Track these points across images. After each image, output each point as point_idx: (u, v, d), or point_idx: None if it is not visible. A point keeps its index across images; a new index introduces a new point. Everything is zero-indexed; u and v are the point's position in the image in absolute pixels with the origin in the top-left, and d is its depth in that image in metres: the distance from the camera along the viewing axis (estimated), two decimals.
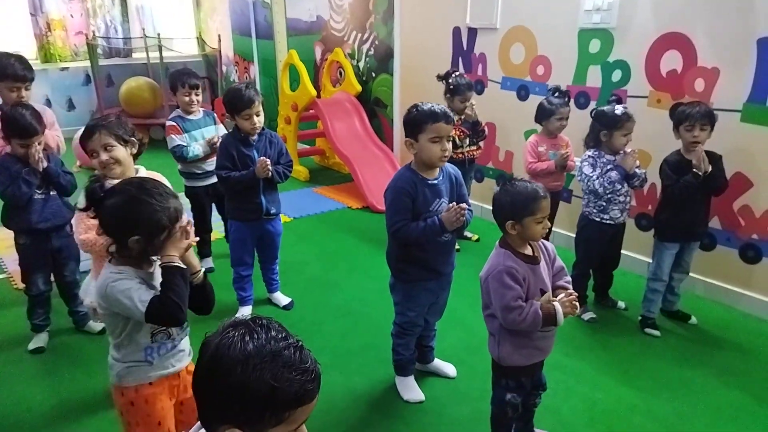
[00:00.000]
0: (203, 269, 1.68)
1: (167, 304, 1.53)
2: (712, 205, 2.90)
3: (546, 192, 1.84)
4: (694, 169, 2.67)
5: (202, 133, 3.38)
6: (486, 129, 3.86)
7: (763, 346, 2.85)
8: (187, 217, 1.58)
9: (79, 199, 2.04)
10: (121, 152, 2.11)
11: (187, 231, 1.57)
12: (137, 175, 1.62)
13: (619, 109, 2.79)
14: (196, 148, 3.29)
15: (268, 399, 0.90)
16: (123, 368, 1.64)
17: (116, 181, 1.64)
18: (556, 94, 3.36)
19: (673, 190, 2.77)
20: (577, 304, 1.82)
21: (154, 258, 1.60)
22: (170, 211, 1.53)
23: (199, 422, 1.01)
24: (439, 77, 3.80)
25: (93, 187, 1.55)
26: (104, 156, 2.08)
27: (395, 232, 2.18)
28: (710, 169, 2.67)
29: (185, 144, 3.29)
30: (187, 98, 3.35)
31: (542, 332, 1.87)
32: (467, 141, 3.77)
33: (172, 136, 3.30)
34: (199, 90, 3.41)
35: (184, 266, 1.58)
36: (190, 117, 3.38)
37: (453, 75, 3.73)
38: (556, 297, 1.87)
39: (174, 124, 3.32)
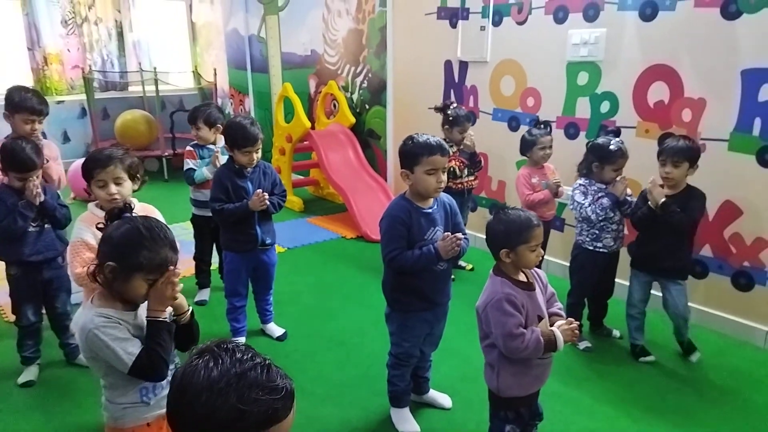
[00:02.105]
0: (191, 309, 1.65)
1: (154, 359, 1.51)
2: (703, 234, 2.92)
3: (539, 220, 1.86)
4: (649, 202, 2.71)
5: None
6: (482, 159, 3.92)
7: (758, 372, 2.85)
8: (173, 269, 1.53)
9: (83, 220, 2.05)
10: (128, 188, 2.13)
11: (173, 283, 1.53)
12: (142, 213, 1.65)
13: (614, 145, 2.82)
14: (203, 171, 3.37)
15: (237, 422, 0.89)
16: (119, 410, 1.60)
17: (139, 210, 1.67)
18: (536, 125, 3.45)
19: (631, 218, 2.85)
20: (578, 331, 1.83)
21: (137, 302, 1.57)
22: (155, 258, 1.48)
23: None
24: (437, 109, 3.86)
25: (116, 209, 1.58)
26: (113, 189, 2.09)
27: (391, 260, 2.18)
28: (660, 201, 2.65)
29: (195, 168, 3.39)
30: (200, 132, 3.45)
31: (540, 360, 1.87)
32: (465, 171, 3.82)
33: (187, 160, 3.43)
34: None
35: (170, 321, 1.57)
36: (209, 146, 3.46)
37: (452, 106, 3.80)
38: (552, 324, 1.88)
39: (191, 149, 3.46)
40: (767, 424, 2.46)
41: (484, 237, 1.92)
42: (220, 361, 0.93)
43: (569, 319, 1.86)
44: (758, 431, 2.43)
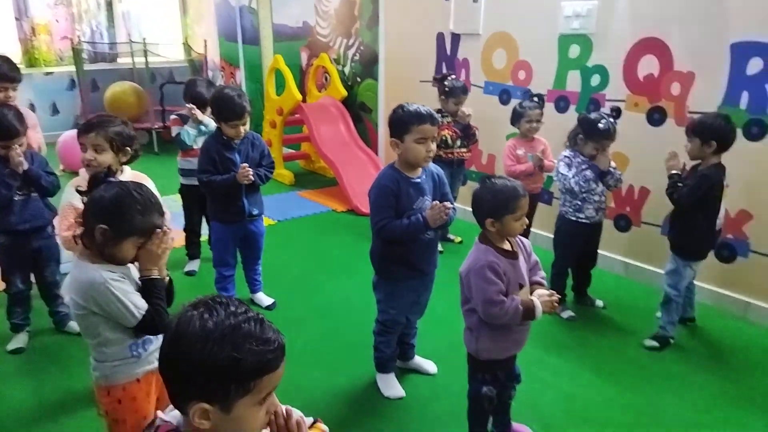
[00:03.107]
0: (168, 276, 1.69)
1: (160, 312, 1.58)
2: None
3: (525, 190, 1.88)
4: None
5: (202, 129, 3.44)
6: (477, 133, 3.92)
7: (739, 341, 2.92)
8: (164, 229, 1.59)
9: (74, 185, 2.05)
10: (108, 158, 2.12)
11: (163, 241, 1.58)
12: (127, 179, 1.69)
13: (603, 124, 2.82)
14: (188, 131, 3.37)
15: (231, 370, 0.91)
16: (109, 368, 1.63)
17: (123, 179, 1.69)
18: (530, 98, 3.44)
19: None
20: (557, 303, 1.86)
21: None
22: (147, 222, 1.54)
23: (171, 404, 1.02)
24: (435, 79, 3.87)
25: (100, 174, 1.60)
26: (90, 155, 2.11)
27: (380, 229, 2.20)
28: (669, 172, 2.72)
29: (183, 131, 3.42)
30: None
31: (519, 326, 1.91)
32: (458, 142, 3.83)
33: (173, 127, 3.47)
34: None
35: (162, 277, 1.63)
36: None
37: (449, 78, 3.81)
38: (532, 292, 1.91)
39: (176, 117, 3.51)
40: (748, 391, 2.52)
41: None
42: (215, 313, 0.95)
43: (551, 290, 1.90)
44: (737, 396, 2.49)
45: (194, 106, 3.36)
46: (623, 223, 3.61)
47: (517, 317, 1.81)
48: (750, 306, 3.12)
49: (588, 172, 2.86)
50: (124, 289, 1.54)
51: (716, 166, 2.65)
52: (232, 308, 0.96)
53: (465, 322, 1.98)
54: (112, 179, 1.61)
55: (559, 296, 1.89)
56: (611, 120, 2.86)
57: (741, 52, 2.95)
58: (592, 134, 2.85)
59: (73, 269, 1.62)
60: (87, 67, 7.10)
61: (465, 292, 1.92)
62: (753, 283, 3.11)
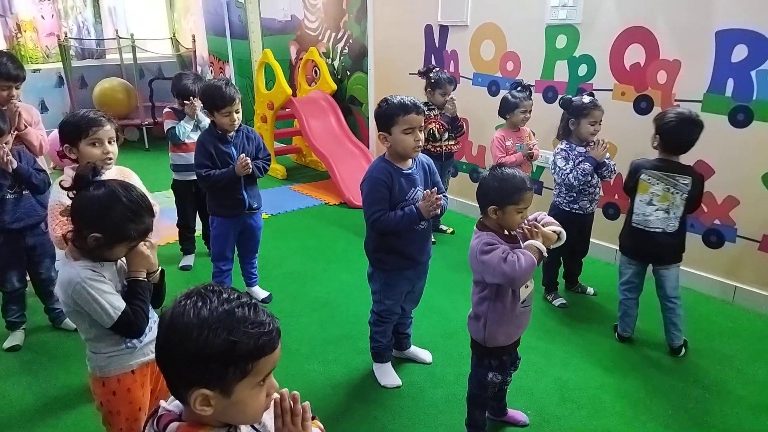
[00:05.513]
0: (161, 268, 1.71)
1: (138, 315, 1.59)
2: None
3: (532, 184, 1.88)
4: None
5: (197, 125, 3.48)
6: (464, 125, 3.95)
7: (726, 325, 2.98)
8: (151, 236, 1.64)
9: (64, 177, 2.06)
10: (116, 149, 2.14)
11: (154, 247, 1.64)
12: (121, 179, 1.69)
13: (585, 98, 2.87)
14: (183, 125, 3.41)
15: (229, 354, 0.93)
16: (104, 359, 1.65)
17: (109, 174, 1.68)
18: (518, 87, 3.45)
19: None
20: (547, 225, 1.83)
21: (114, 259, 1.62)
22: (139, 227, 1.55)
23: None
24: (420, 72, 3.89)
25: (86, 171, 1.55)
26: (110, 147, 2.09)
27: (374, 222, 2.21)
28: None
29: (176, 126, 3.43)
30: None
31: (523, 309, 1.94)
32: (446, 135, 3.86)
33: (167, 120, 3.47)
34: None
35: (151, 281, 1.66)
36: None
37: (434, 70, 3.83)
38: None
39: (170, 110, 3.51)
40: (735, 373, 2.59)
41: (465, 200, 1.96)
42: (209, 301, 0.97)
43: (530, 222, 1.87)
44: (727, 381, 2.55)
45: (193, 100, 3.37)
46: (612, 211, 3.66)
47: (533, 261, 1.76)
48: (738, 290, 3.18)
49: (586, 166, 2.87)
50: (101, 289, 1.54)
51: (658, 160, 2.61)
52: (225, 295, 0.98)
53: (473, 309, 1.99)
54: (98, 178, 1.57)
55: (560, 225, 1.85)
56: (590, 96, 2.91)
57: (726, 39, 2.99)
58: (581, 111, 2.87)
59: (60, 267, 1.63)
60: (75, 63, 7.03)
61: (476, 276, 1.92)
62: (740, 267, 3.17)
